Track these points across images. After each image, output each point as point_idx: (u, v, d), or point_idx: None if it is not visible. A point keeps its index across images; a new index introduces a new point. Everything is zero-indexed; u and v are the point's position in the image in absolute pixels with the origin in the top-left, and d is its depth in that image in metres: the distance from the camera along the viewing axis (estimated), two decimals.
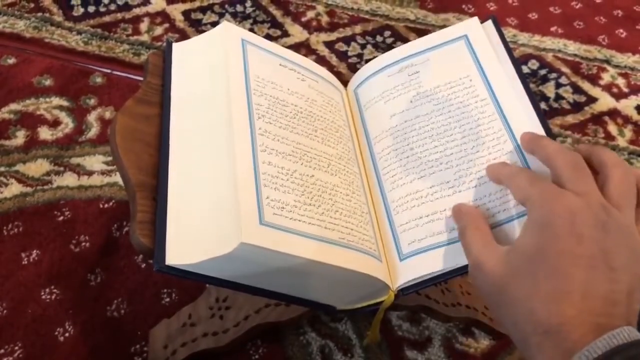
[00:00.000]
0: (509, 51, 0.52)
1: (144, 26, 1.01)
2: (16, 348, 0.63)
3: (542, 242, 0.34)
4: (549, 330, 0.32)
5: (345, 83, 0.60)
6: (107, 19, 1.01)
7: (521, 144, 0.45)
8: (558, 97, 0.95)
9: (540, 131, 0.46)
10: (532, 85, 0.96)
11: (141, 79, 0.60)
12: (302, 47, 1.00)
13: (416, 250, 0.45)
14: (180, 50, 0.53)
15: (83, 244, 0.72)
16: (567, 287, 0.32)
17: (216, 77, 0.49)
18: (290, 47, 0.97)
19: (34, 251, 0.71)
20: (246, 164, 0.43)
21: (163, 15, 1.03)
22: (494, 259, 0.37)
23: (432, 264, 0.44)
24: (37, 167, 0.79)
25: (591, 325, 0.31)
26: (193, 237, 0.41)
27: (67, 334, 0.65)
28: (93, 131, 0.84)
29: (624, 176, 0.37)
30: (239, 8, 1.06)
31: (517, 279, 0.34)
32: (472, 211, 0.43)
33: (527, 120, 0.47)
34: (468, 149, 0.48)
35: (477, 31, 0.54)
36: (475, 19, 0.55)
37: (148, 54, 0.72)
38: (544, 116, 0.48)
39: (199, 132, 0.47)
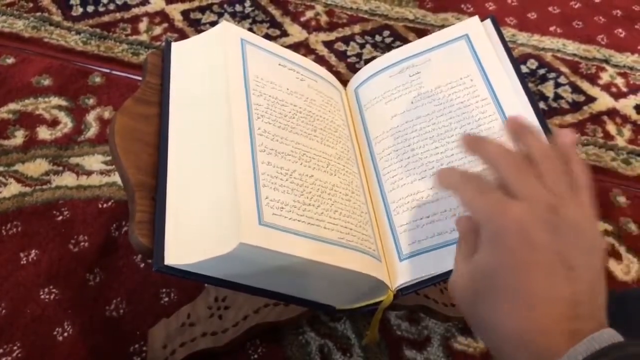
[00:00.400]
0: (508, 51, 0.52)
1: (143, 26, 1.01)
2: (15, 348, 0.63)
3: (497, 259, 0.34)
4: (521, 342, 0.32)
5: (344, 83, 0.60)
6: (106, 18, 1.01)
7: (463, 147, 0.43)
8: (557, 97, 0.95)
9: (539, 130, 0.46)
10: (531, 85, 0.96)
11: (140, 78, 0.60)
12: (301, 47, 1.00)
13: (416, 251, 0.45)
14: (179, 50, 0.53)
15: (82, 243, 0.72)
16: (530, 297, 0.32)
17: (215, 76, 0.49)
18: (289, 46, 0.97)
19: (33, 251, 0.71)
20: (245, 164, 0.43)
21: (162, 15, 1.03)
22: (461, 275, 0.37)
23: (432, 265, 0.44)
24: (36, 167, 0.79)
25: (561, 331, 0.31)
26: (192, 237, 0.41)
27: (66, 334, 0.65)
28: (92, 131, 0.84)
29: (552, 166, 0.37)
30: (238, 8, 1.06)
31: (482, 296, 0.34)
32: (465, 222, 0.41)
33: (526, 116, 0.47)
34: None
35: (477, 31, 0.54)
36: (476, 18, 0.55)
37: (147, 53, 0.72)
38: (543, 116, 0.48)
39: (198, 132, 0.47)
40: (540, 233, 0.33)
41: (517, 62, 0.52)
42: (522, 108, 0.48)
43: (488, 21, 0.55)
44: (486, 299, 0.34)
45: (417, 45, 0.56)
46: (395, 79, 0.55)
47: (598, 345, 0.30)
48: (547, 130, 0.46)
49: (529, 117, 0.47)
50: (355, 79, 0.59)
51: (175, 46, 0.54)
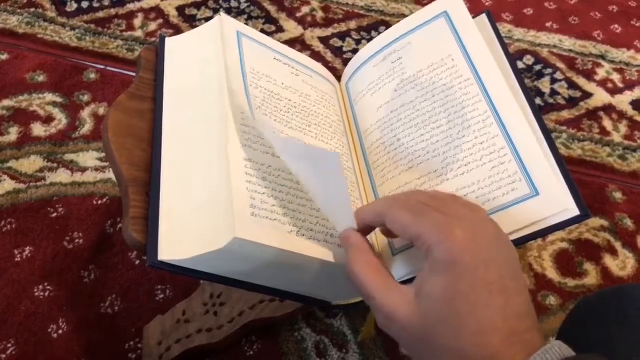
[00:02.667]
0: (504, 46, 0.52)
1: (137, 22, 1.00)
2: (9, 345, 0.63)
3: (454, 281, 0.32)
4: None
5: (340, 78, 0.60)
6: (100, 14, 1.01)
7: (359, 223, 0.40)
8: (553, 93, 0.95)
9: (531, 118, 0.46)
10: (527, 81, 0.96)
11: (135, 74, 0.59)
12: (297, 43, 1.00)
13: (408, 244, 0.45)
14: (173, 45, 0.53)
15: (76, 240, 0.72)
16: (489, 317, 0.32)
17: (210, 69, 0.49)
18: (284, 42, 0.96)
19: (27, 248, 0.71)
20: (239, 158, 0.42)
21: (157, 11, 1.03)
22: (403, 307, 0.34)
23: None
24: (30, 164, 0.79)
25: (518, 346, 0.31)
26: (186, 232, 0.41)
27: (60, 331, 0.65)
28: (86, 127, 0.83)
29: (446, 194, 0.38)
30: (233, 3, 1.05)
31: (440, 326, 0.32)
32: (359, 242, 0.38)
33: (510, 97, 0.46)
34: (454, 134, 0.47)
35: (457, 5, 0.52)
36: None
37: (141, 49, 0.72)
38: (539, 111, 0.47)
39: (192, 126, 0.46)
40: (490, 249, 0.33)
41: (513, 58, 0.51)
42: (507, 86, 0.47)
43: (482, 16, 0.54)
44: (445, 327, 0.32)
45: (396, 29, 0.55)
46: (378, 68, 0.54)
47: (551, 358, 0.30)
48: (543, 126, 0.46)
49: (524, 112, 0.47)
50: (345, 73, 0.58)
51: (169, 41, 0.53)
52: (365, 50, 0.56)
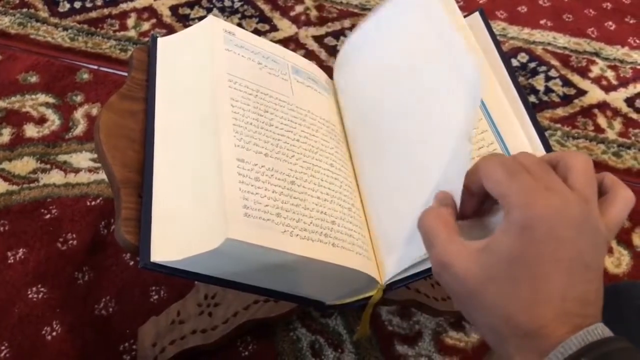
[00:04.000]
0: (497, 45, 0.51)
1: (130, 22, 1.00)
2: (3, 348, 0.63)
3: (522, 246, 0.32)
4: (528, 334, 0.32)
5: None
6: (93, 14, 1.00)
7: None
8: (548, 90, 0.95)
9: (525, 116, 0.45)
10: (521, 79, 0.96)
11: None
12: (291, 42, 0.99)
13: (402, 242, 0.44)
14: (165, 45, 0.53)
15: (70, 242, 0.71)
16: (547, 292, 0.32)
17: (201, 71, 0.48)
18: (278, 41, 0.97)
19: (21, 250, 0.70)
20: (232, 159, 0.42)
21: (150, 11, 1.02)
22: (463, 258, 0.34)
23: (417, 249, 0.43)
24: (23, 165, 0.78)
25: (569, 326, 0.31)
26: (179, 233, 0.40)
27: (54, 333, 0.64)
28: (80, 128, 0.83)
29: (587, 164, 0.36)
30: (227, 2, 1.05)
31: (494, 284, 0.33)
32: (444, 197, 0.38)
33: (500, 93, 0.46)
34: None
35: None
36: None
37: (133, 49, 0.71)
38: (533, 109, 0.47)
39: (184, 128, 0.46)
40: (568, 229, 0.33)
41: (506, 56, 0.51)
42: (494, 80, 0.47)
43: (476, 14, 0.54)
44: (500, 287, 0.33)
45: (376, 20, 0.54)
46: (363, 64, 0.54)
47: (591, 339, 0.30)
48: (536, 124, 0.46)
49: (518, 110, 0.47)
50: (334, 71, 0.58)
51: (161, 41, 0.53)
52: (348, 44, 0.56)
